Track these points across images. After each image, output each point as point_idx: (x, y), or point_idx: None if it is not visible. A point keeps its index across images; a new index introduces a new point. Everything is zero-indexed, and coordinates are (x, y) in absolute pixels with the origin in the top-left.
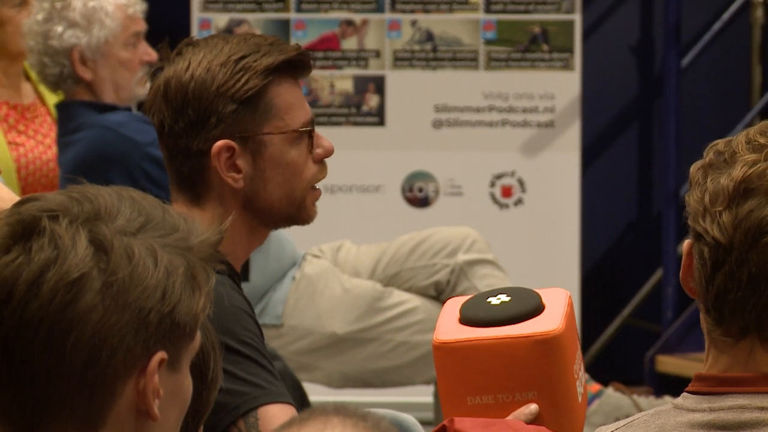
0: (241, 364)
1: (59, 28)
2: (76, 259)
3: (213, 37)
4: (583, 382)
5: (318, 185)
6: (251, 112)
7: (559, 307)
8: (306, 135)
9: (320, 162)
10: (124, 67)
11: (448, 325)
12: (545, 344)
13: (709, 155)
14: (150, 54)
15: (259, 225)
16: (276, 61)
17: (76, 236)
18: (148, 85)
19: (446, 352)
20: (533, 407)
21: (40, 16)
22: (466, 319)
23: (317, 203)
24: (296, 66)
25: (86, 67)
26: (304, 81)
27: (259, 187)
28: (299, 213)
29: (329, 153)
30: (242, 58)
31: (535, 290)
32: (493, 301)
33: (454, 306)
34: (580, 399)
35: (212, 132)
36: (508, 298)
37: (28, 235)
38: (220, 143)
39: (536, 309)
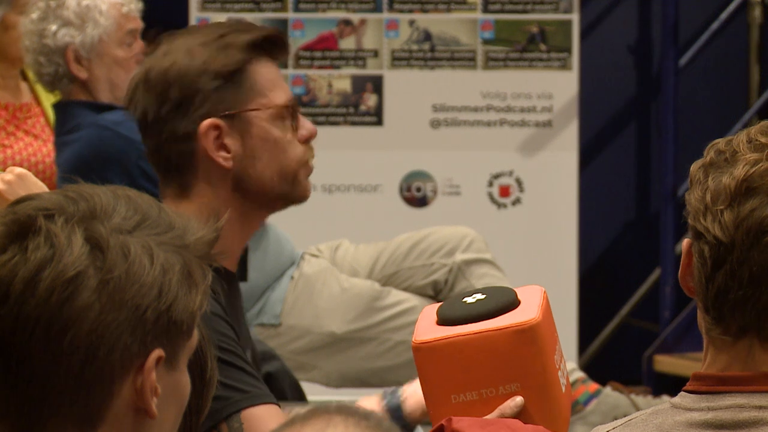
0: (221, 370)
1: (53, 27)
2: (72, 258)
3: (190, 27)
4: (565, 374)
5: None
6: (235, 89)
7: (534, 300)
8: (289, 113)
9: (306, 143)
10: (120, 66)
11: (426, 327)
12: (523, 334)
13: (709, 154)
14: (146, 53)
15: (252, 209)
16: (256, 36)
17: (72, 235)
18: None
19: (426, 352)
20: (519, 400)
21: (35, 15)
22: (443, 319)
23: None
24: (275, 44)
25: (81, 66)
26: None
27: (248, 166)
28: (293, 189)
29: (313, 134)
30: (222, 36)
31: (511, 287)
32: (469, 300)
33: (431, 310)
34: (563, 389)
35: (198, 111)
36: (483, 296)
37: (24, 235)
38: (207, 122)
39: (512, 303)
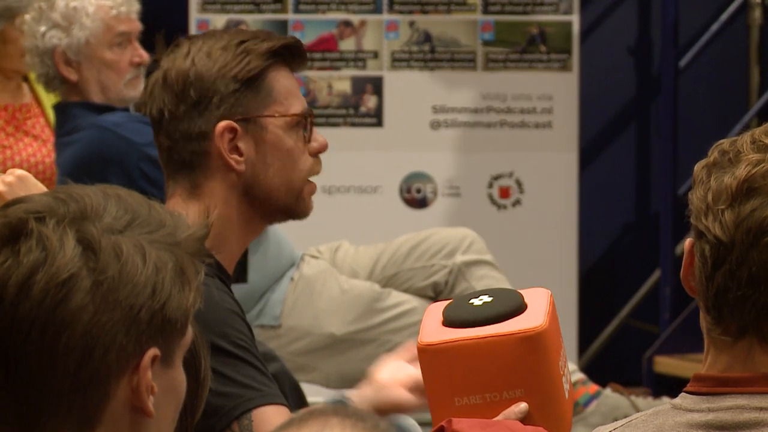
0: (234, 366)
1: (42, 29)
2: (65, 260)
3: (209, 31)
4: (569, 379)
5: (316, 185)
6: (253, 94)
7: (541, 305)
8: (303, 124)
9: (315, 156)
10: (110, 68)
11: (432, 328)
12: (529, 341)
13: (713, 154)
14: (141, 55)
15: (255, 216)
16: (276, 44)
17: (64, 237)
18: (141, 87)
19: (431, 354)
20: (523, 406)
21: (29, 17)
22: (450, 321)
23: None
24: (294, 54)
25: (71, 68)
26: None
27: (259, 172)
28: (297, 205)
29: (324, 148)
30: (243, 42)
31: (517, 290)
32: (476, 302)
33: (437, 309)
34: (566, 395)
35: (214, 112)
36: (490, 299)
37: (15, 238)
38: (223, 123)
39: (519, 308)
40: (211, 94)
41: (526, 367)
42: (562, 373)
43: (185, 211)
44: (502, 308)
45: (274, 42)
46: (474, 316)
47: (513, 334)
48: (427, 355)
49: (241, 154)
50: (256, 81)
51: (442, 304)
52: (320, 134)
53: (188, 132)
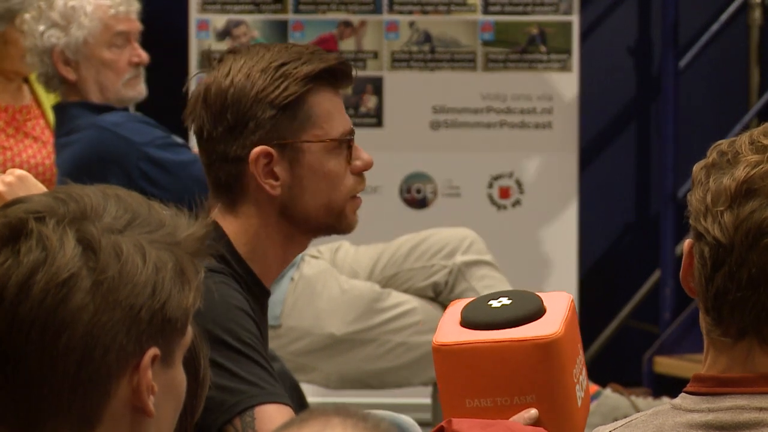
0: (240, 363)
1: (42, 28)
2: (65, 260)
3: (255, 46)
4: (584, 387)
5: (361, 200)
6: (290, 119)
7: (560, 311)
8: (345, 145)
9: (359, 174)
10: (108, 68)
11: (449, 328)
12: (543, 348)
13: (712, 155)
14: (140, 55)
15: (296, 233)
16: (316, 68)
17: (64, 237)
18: (140, 87)
19: (445, 354)
20: (533, 412)
21: (29, 16)
22: (467, 322)
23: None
24: (336, 75)
25: (69, 68)
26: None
27: (296, 195)
28: (339, 223)
29: (368, 166)
30: (282, 65)
31: (538, 294)
32: (494, 304)
33: (457, 308)
34: (580, 403)
35: (250, 138)
36: (509, 301)
37: (15, 238)
38: (258, 149)
39: (537, 312)
40: (247, 119)
41: (538, 373)
42: (576, 381)
43: (224, 227)
44: (520, 312)
45: (314, 66)
46: (491, 318)
47: (526, 340)
48: (441, 356)
49: (276, 179)
50: (294, 106)
51: (462, 303)
52: (364, 152)
53: (224, 154)
